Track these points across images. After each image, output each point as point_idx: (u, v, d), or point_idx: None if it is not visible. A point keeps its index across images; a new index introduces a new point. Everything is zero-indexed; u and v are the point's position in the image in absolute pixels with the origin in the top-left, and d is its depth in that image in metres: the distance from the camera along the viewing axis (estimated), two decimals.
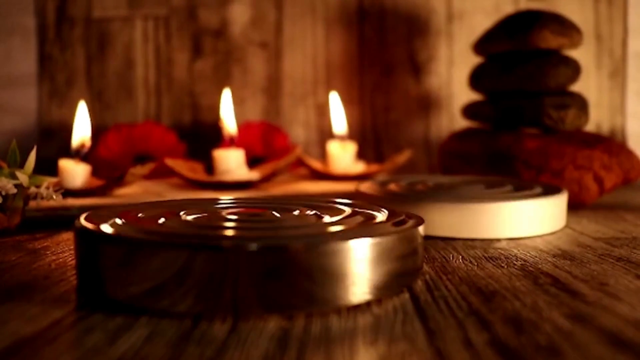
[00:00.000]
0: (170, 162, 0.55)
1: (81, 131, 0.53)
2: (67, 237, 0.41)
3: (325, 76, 0.79)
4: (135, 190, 0.53)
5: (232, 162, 0.56)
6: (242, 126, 0.72)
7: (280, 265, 0.23)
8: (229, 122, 0.59)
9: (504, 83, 0.56)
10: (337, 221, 0.29)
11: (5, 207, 0.40)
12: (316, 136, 0.80)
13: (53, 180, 0.43)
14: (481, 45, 0.59)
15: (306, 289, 0.23)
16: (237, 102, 0.78)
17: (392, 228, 0.27)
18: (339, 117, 0.67)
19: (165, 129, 0.73)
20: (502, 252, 0.36)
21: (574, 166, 0.51)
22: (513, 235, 0.40)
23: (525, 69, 0.55)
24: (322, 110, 0.79)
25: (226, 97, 0.60)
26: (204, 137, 0.78)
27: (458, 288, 0.28)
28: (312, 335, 0.22)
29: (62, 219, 0.44)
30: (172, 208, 0.32)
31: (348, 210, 0.32)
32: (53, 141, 0.79)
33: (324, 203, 0.34)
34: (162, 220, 0.29)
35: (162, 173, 0.60)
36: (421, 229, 0.28)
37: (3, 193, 0.39)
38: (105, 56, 0.80)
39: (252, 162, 0.67)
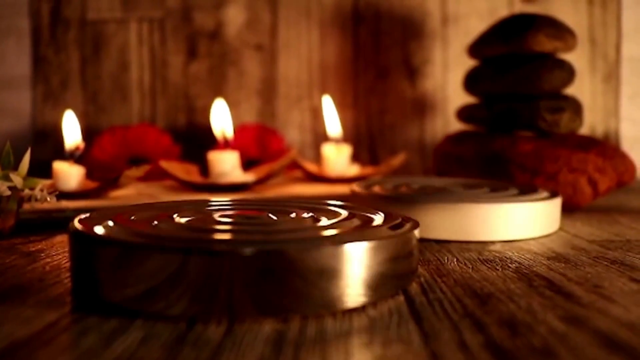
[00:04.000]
0: (165, 164, 0.55)
1: (71, 137, 0.53)
2: (62, 239, 0.41)
3: (320, 79, 0.79)
4: (130, 192, 0.53)
5: (227, 164, 0.56)
6: (237, 129, 0.72)
7: (276, 268, 0.23)
8: (221, 128, 0.59)
9: (499, 86, 0.56)
10: (332, 224, 0.29)
11: None
12: (311, 139, 0.80)
13: (47, 182, 0.43)
14: (476, 49, 0.60)
15: (301, 291, 0.23)
16: (232, 104, 0.78)
17: (387, 231, 0.27)
18: (333, 121, 0.67)
19: (160, 131, 0.73)
20: (497, 254, 0.36)
21: (568, 169, 0.51)
22: (507, 237, 0.40)
23: (520, 72, 0.55)
24: (317, 113, 0.79)
25: (219, 106, 0.60)
26: (198, 139, 0.78)
27: (453, 290, 0.28)
28: (308, 337, 0.22)
29: (56, 221, 0.44)
30: (166, 210, 0.32)
31: (343, 212, 0.32)
32: (47, 143, 0.79)
33: (319, 205, 0.34)
34: (156, 222, 0.29)
35: (157, 175, 0.60)
36: (416, 232, 0.28)
37: None
38: (99, 58, 0.80)
39: (247, 164, 0.67)
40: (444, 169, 0.61)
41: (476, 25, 0.77)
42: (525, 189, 0.45)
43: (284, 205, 0.35)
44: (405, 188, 0.47)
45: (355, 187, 0.47)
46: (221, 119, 0.60)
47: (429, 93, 0.79)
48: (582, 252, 0.36)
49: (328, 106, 0.68)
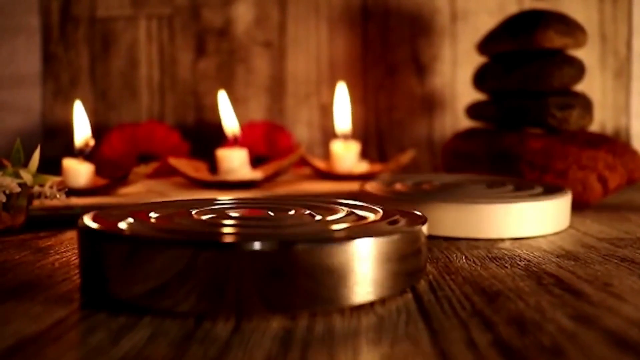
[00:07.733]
0: (173, 161, 0.55)
1: (81, 130, 0.53)
2: (71, 236, 0.41)
3: (328, 76, 0.79)
4: (139, 189, 0.53)
5: (235, 161, 0.56)
6: (246, 126, 0.72)
7: (284, 265, 0.23)
8: (229, 124, 0.59)
9: (508, 83, 0.56)
10: (340, 221, 0.29)
11: (9, 206, 0.40)
12: (320, 136, 0.80)
13: (57, 179, 0.43)
14: (485, 45, 0.59)
15: (309, 288, 0.23)
16: (241, 101, 0.78)
17: (396, 228, 0.27)
18: (344, 112, 0.66)
19: (169, 128, 0.73)
20: (506, 252, 0.36)
21: (578, 166, 0.51)
22: (517, 235, 0.39)
23: (529, 68, 0.54)
24: (326, 110, 0.79)
25: (223, 99, 0.60)
26: (207, 137, 0.78)
27: (461, 288, 0.28)
28: (315, 335, 0.22)
29: (65, 218, 0.44)
30: (176, 208, 0.32)
31: (351, 210, 0.32)
32: (57, 140, 0.79)
33: (328, 203, 0.34)
34: (166, 220, 0.29)
35: (166, 172, 0.60)
36: (425, 229, 0.28)
37: (7, 192, 0.39)
38: (109, 56, 0.80)
39: (256, 161, 0.67)
40: (453, 166, 0.61)
41: (485, 22, 0.77)
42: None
43: (290, 202, 0.35)
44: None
45: (367, 185, 0.47)
46: (228, 109, 0.59)
47: (437, 90, 0.79)
48: (591, 249, 0.36)
49: (341, 96, 0.67)
